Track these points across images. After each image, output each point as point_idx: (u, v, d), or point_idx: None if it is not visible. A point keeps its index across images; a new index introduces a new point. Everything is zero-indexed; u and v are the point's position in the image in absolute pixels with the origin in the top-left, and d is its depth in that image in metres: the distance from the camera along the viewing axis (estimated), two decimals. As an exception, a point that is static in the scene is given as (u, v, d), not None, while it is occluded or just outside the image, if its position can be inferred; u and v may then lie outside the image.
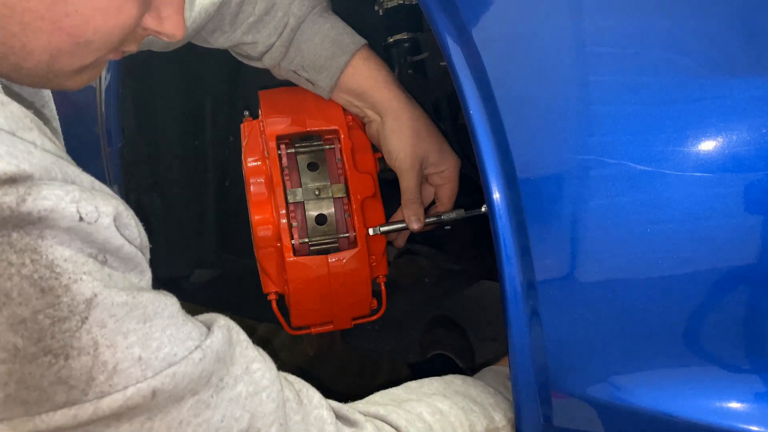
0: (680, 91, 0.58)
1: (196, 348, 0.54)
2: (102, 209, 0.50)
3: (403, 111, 0.89)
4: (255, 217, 0.90)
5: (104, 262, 0.51)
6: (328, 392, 0.68)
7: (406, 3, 1.04)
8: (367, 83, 0.89)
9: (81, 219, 0.49)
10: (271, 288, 0.93)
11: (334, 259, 0.88)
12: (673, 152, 0.58)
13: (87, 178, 0.53)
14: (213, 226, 1.49)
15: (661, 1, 0.60)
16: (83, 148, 1.58)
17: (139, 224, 0.56)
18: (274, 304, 0.93)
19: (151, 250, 0.59)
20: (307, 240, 0.88)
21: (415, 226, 0.89)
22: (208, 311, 0.60)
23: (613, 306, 0.61)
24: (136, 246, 0.55)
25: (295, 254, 0.87)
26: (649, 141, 0.58)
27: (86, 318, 0.49)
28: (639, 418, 0.61)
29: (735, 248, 0.57)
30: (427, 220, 0.90)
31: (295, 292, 0.89)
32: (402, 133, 0.89)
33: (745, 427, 0.57)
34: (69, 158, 0.53)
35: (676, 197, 0.57)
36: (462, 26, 0.67)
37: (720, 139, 0.57)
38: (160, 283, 0.58)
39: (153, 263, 0.58)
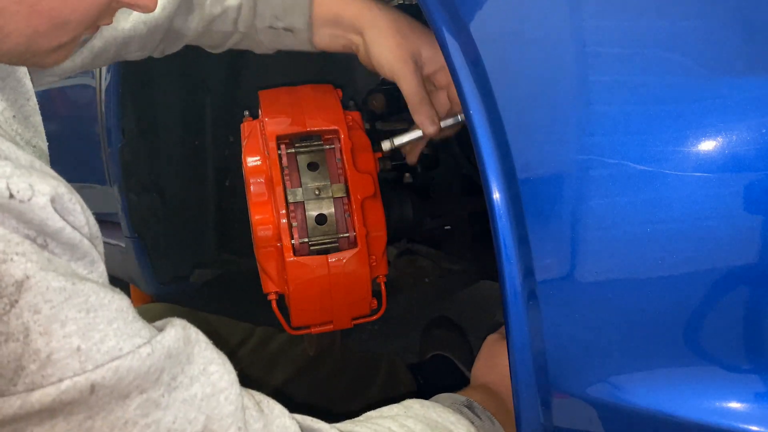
0: (680, 91, 0.58)
1: (145, 344, 0.50)
2: (37, 188, 0.47)
3: (379, 17, 0.85)
4: (255, 217, 0.90)
5: (44, 246, 0.48)
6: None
7: (406, 3, 1.04)
8: (337, 5, 0.86)
9: (11, 196, 0.46)
10: (271, 288, 0.93)
11: (334, 259, 0.88)
12: (673, 152, 0.58)
13: (26, 157, 0.50)
14: (213, 226, 1.49)
15: (661, 1, 0.60)
16: (83, 148, 1.58)
17: (88, 212, 0.53)
18: (274, 304, 0.93)
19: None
20: (307, 240, 0.88)
21: (431, 129, 0.83)
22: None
23: (613, 306, 0.61)
24: (83, 234, 0.51)
25: (295, 254, 0.87)
26: (649, 141, 0.58)
27: (16, 301, 0.45)
28: (639, 418, 0.61)
29: (735, 248, 0.57)
30: (444, 123, 0.84)
31: (295, 292, 0.89)
32: (383, 37, 0.84)
33: (745, 427, 0.57)
34: (12, 137, 0.50)
35: (676, 197, 0.57)
36: (462, 25, 0.67)
37: (720, 139, 0.57)
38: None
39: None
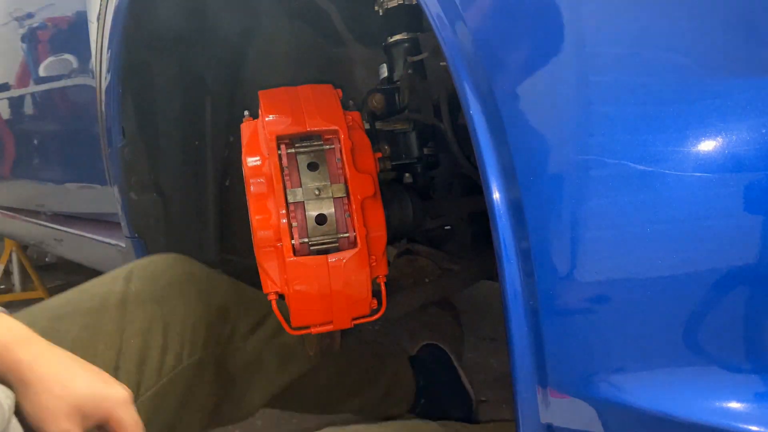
0: (680, 91, 0.58)
1: None
2: None
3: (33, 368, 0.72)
4: (255, 217, 0.90)
5: None
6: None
7: (406, 3, 1.04)
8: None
9: None
10: (271, 288, 0.93)
11: (334, 259, 0.88)
12: (673, 152, 0.58)
13: None
14: (213, 226, 1.49)
15: (660, 1, 0.60)
16: (83, 148, 1.58)
17: None
18: (274, 304, 0.93)
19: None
20: (307, 240, 0.88)
21: None
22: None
23: (613, 306, 0.61)
24: None
25: (295, 254, 0.87)
26: (649, 141, 0.58)
27: None
28: (639, 418, 0.61)
29: (735, 248, 0.57)
30: None
31: (295, 292, 0.89)
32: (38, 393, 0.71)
33: (745, 427, 0.57)
34: None
35: (676, 197, 0.57)
36: (462, 25, 0.67)
37: (720, 139, 0.57)
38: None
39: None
